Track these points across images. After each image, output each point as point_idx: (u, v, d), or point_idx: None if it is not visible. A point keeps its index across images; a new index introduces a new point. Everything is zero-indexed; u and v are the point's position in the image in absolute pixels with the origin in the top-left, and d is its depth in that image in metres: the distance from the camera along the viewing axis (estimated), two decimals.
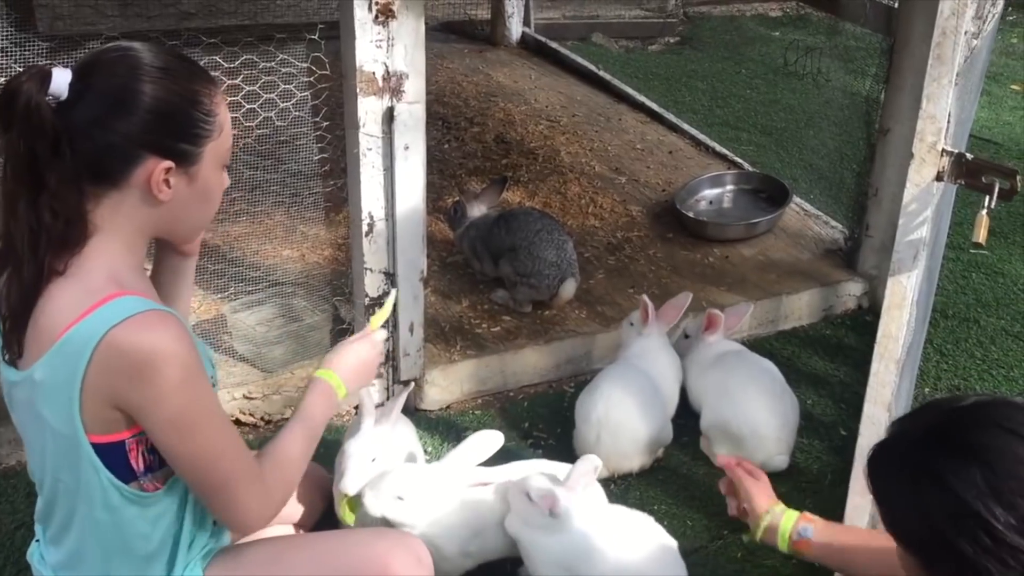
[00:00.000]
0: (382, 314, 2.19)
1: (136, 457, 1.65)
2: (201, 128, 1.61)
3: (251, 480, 1.68)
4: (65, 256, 1.58)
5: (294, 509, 2.33)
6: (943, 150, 1.84)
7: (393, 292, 2.37)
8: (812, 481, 2.95)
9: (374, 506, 2.24)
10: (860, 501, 2.18)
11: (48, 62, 1.64)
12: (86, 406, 1.55)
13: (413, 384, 2.46)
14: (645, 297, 3.08)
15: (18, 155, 1.54)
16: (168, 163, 1.59)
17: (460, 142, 4.77)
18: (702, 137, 5.05)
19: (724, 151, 4.89)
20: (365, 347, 2.02)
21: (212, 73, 1.69)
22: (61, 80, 1.54)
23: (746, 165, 4.75)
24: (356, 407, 3.10)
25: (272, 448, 1.79)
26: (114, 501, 1.65)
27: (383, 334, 2.10)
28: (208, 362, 1.77)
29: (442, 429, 3.08)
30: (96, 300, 1.54)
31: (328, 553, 1.91)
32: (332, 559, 1.90)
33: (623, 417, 2.79)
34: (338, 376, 1.94)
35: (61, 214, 1.56)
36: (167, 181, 1.60)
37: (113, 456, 1.62)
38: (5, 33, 2.75)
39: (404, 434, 2.60)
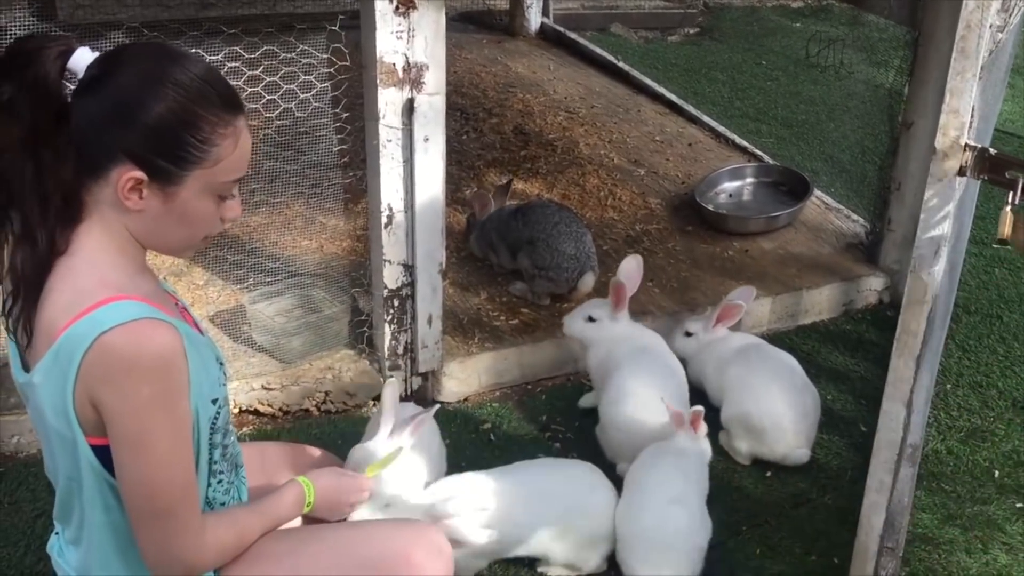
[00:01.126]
0: (380, 465, 2.22)
1: None
2: (188, 152, 1.56)
3: (188, 525, 1.63)
4: (67, 233, 1.58)
5: None
6: (966, 145, 1.82)
7: (398, 449, 2.29)
8: (832, 477, 2.93)
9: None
10: (877, 498, 2.16)
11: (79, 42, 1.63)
12: (79, 409, 1.55)
13: (438, 407, 2.46)
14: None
15: (24, 122, 1.54)
16: (138, 173, 1.55)
17: (479, 133, 4.76)
18: (722, 129, 5.01)
19: (744, 143, 4.86)
20: (351, 486, 2.03)
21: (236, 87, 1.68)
22: (81, 58, 1.55)
23: (766, 158, 4.71)
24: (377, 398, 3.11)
25: (229, 512, 1.78)
26: (111, 501, 1.64)
27: (373, 483, 2.12)
28: (215, 360, 1.75)
29: (460, 421, 3.08)
30: (91, 303, 1.53)
31: (348, 544, 1.90)
32: (352, 550, 1.89)
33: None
34: (315, 493, 1.93)
35: (59, 188, 1.57)
36: (138, 191, 1.57)
37: (111, 458, 1.61)
38: (27, 22, 2.77)
39: (428, 433, 2.59)
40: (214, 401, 1.71)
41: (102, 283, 1.56)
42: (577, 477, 2.55)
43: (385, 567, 1.86)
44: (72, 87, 1.57)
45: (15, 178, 1.56)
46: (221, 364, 1.78)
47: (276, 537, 1.86)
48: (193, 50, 2.66)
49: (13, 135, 1.55)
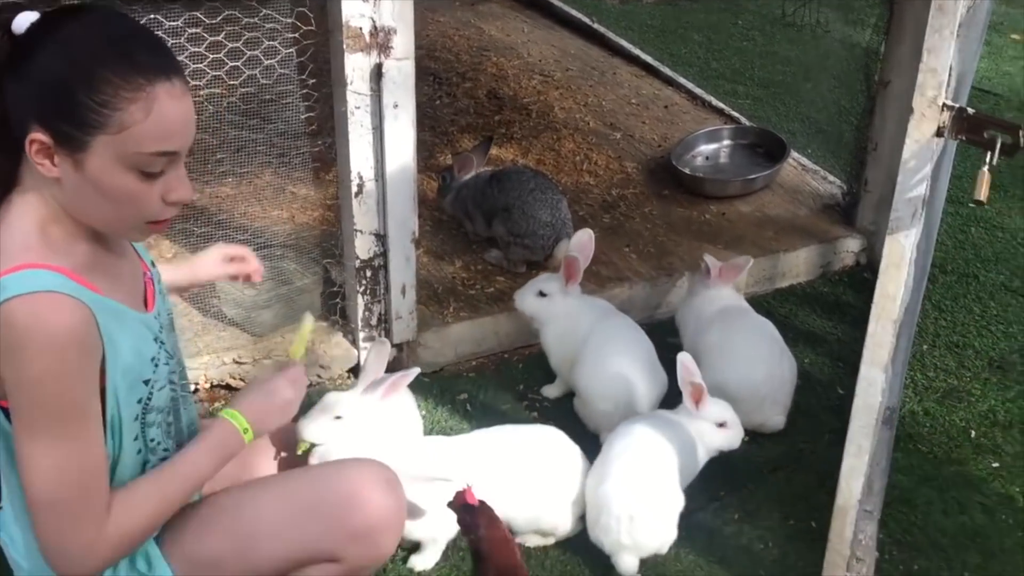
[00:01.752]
0: (299, 342, 2.04)
1: None
2: (87, 115, 1.48)
3: (82, 518, 1.54)
4: None
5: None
6: (944, 105, 1.78)
7: (307, 316, 2.12)
8: (809, 441, 2.93)
9: (308, 431, 2.27)
10: (855, 462, 2.15)
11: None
12: None
13: (419, 370, 2.45)
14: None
15: None
16: (42, 136, 1.50)
17: (452, 98, 4.69)
18: (698, 91, 4.96)
19: (721, 105, 4.82)
20: (280, 384, 1.86)
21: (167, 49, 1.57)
22: (22, 21, 1.52)
23: (743, 119, 4.67)
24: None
25: (138, 487, 1.65)
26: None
27: (301, 367, 1.95)
28: (152, 339, 1.69)
29: (436, 392, 3.05)
30: (7, 267, 1.49)
31: (294, 490, 1.86)
32: (299, 495, 1.85)
33: None
34: (245, 417, 1.78)
35: None
36: (48, 157, 1.52)
37: None
38: None
39: (404, 403, 2.57)
40: (146, 382, 1.65)
41: (24, 248, 1.52)
42: (540, 442, 2.52)
43: (334, 508, 1.83)
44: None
45: None
46: (161, 343, 1.71)
47: (219, 496, 1.82)
48: (152, 16, 2.59)
49: None
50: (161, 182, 1.57)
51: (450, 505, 2.01)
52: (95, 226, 1.62)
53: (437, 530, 2.38)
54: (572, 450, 2.53)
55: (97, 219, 1.60)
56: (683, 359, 2.54)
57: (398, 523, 1.91)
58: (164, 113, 1.52)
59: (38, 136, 1.50)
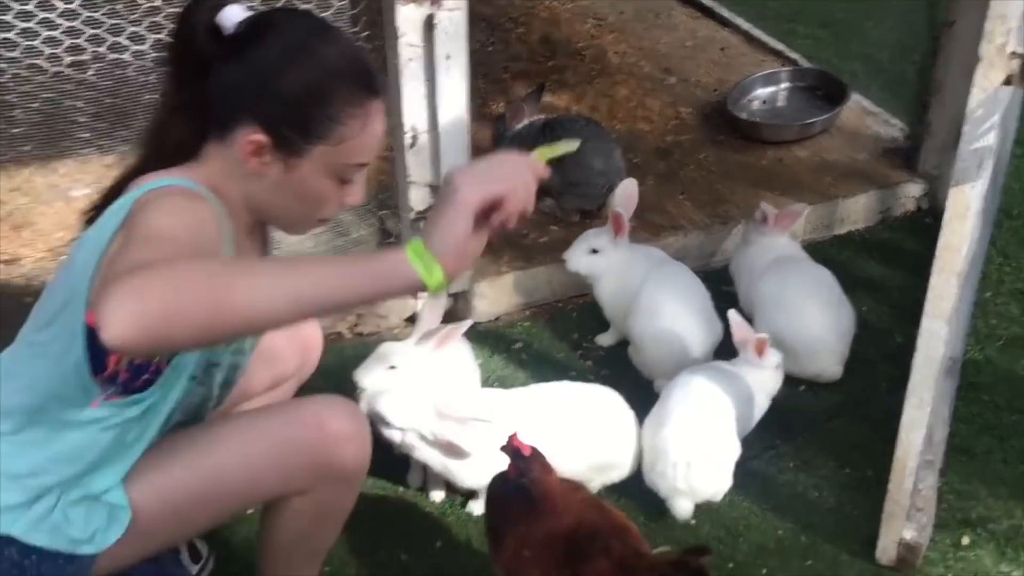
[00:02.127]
0: (551, 150, 1.59)
1: (115, 363, 1.59)
2: (315, 127, 1.59)
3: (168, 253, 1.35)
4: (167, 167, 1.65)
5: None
6: (1012, 52, 1.73)
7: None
8: (867, 389, 2.91)
9: (364, 380, 2.40)
10: (916, 414, 2.14)
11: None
12: (107, 257, 1.52)
13: (472, 322, 2.48)
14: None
15: (168, 65, 1.66)
16: (261, 137, 1.59)
17: (505, 44, 4.65)
18: (756, 32, 4.84)
19: (779, 46, 4.69)
20: (452, 179, 1.40)
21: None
22: (230, 16, 1.59)
23: (802, 61, 4.56)
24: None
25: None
26: (68, 369, 1.59)
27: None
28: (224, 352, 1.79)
29: (491, 341, 3.09)
30: (160, 178, 1.59)
31: (258, 430, 1.82)
32: (263, 435, 1.80)
33: None
34: (430, 251, 1.34)
35: (174, 133, 1.65)
36: (260, 156, 1.61)
37: (95, 343, 1.53)
38: None
39: (460, 353, 2.61)
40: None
41: (179, 173, 1.61)
42: (594, 400, 2.54)
43: (298, 440, 1.79)
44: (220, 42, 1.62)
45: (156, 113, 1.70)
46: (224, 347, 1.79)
47: (182, 440, 1.78)
48: None
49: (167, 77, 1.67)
50: (347, 187, 1.68)
51: (503, 449, 2.05)
52: (277, 221, 1.74)
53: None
54: (627, 414, 2.55)
55: (278, 211, 1.71)
56: (733, 317, 2.57)
57: (362, 450, 1.86)
58: (374, 128, 1.65)
59: (257, 137, 1.59)
